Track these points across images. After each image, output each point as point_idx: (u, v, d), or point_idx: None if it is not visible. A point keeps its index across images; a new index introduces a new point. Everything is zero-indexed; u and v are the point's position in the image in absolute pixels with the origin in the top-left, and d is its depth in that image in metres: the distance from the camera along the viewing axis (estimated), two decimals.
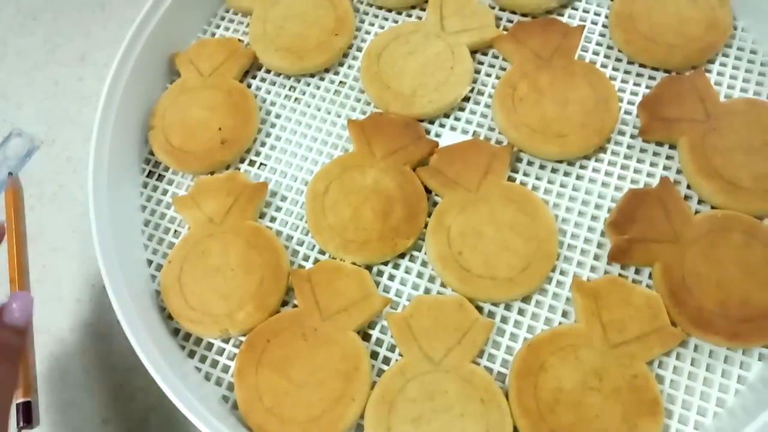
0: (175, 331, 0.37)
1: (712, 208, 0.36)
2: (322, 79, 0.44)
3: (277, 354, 0.33)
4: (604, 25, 0.43)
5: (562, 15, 0.44)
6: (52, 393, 0.37)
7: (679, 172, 0.38)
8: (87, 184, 0.37)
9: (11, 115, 0.46)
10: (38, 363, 0.38)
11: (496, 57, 0.43)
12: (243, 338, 0.35)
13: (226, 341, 0.36)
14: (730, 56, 0.41)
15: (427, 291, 0.36)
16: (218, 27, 0.47)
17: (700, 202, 0.37)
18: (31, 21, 0.50)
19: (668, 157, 0.38)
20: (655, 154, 0.38)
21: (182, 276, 0.36)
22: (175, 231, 0.40)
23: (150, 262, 0.39)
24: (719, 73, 0.40)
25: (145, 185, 0.41)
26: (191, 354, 0.36)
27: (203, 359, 0.36)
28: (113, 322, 0.38)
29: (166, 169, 0.42)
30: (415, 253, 0.37)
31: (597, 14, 0.43)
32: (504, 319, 0.35)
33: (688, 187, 0.37)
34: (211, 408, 0.32)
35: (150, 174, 0.42)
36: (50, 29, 0.49)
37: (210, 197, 0.38)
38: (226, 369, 0.35)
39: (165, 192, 0.41)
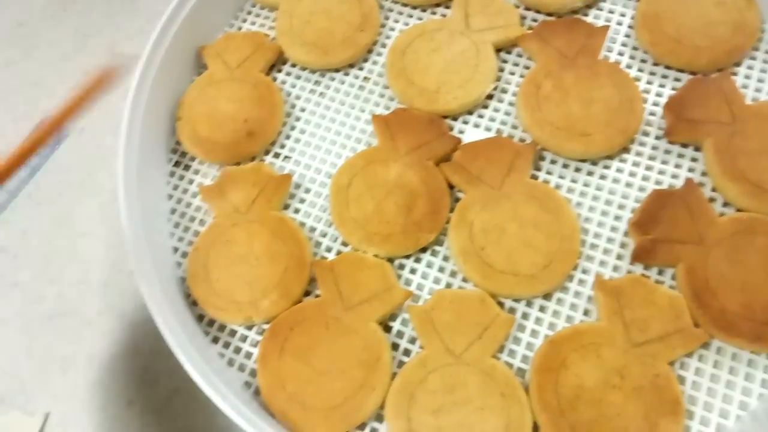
0: (200, 318, 0.37)
1: (737, 210, 0.36)
2: (346, 74, 0.44)
3: (300, 342, 0.34)
4: (629, 26, 0.43)
5: (587, 15, 0.44)
6: (79, 374, 0.38)
7: (703, 174, 0.38)
8: (116, 173, 0.38)
9: (42, 103, 0.47)
10: (66, 344, 0.39)
11: (520, 56, 0.43)
12: (266, 326, 0.35)
13: (249, 328, 0.37)
14: (758, 59, 0.40)
15: (448, 285, 0.37)
16: (245, 21, 0.47)
17: (725, 204, 0.37)
18: (62, 12, 0.51)
19: (693, 159, 0.38)
20: (679, 155, 0.39)
21: (208, 263, 0.37)
22: (201, 220, 0.40)
23: (176, 250, 0.39)
24: (746, 76, 0.40)
25: (172, 174, 0.42)
26: (215, 340, 0.37)
27: (226, 345, 0.36)
28: (139, 307, 0.39)
29: (193, 159, 0.42)
30: (437, 248, 0.38)
31: (622, 15, 0.43)
32: (525, 316, 0.35)
33: (713, 189, 0.37)
34: (235, 393, 0.32)
35: (177, 164, 0.42)
36: (80, 20, 0.50)
37: (236, 187, 0.39)
38: (248, 355, 0.36)
39: (191, 181, 0.42)
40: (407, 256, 0.37)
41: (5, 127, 0.46)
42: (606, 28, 0.41)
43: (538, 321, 0.35)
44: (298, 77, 0.44)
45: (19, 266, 0.41)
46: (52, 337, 0.39)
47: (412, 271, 0.37)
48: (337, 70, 0.44)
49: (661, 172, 0.38)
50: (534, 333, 0.35)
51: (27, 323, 0.39)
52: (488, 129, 0.41)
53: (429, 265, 0.37)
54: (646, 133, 0.39)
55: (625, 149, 0.39)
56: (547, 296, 0.36)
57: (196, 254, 0.37)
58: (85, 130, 0.46)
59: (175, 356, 0.32)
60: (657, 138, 0.39)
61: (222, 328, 0.37)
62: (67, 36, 0.50)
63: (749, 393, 0.32)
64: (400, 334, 0.36)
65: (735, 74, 0.40)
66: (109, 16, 0.50)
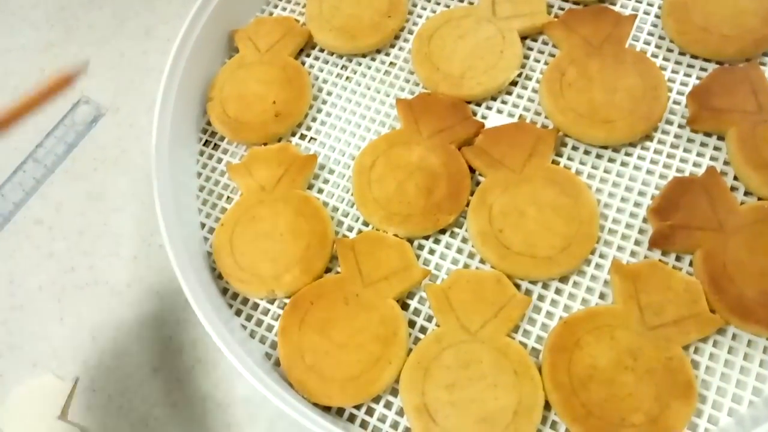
0: (224, 291, 0.39)
1: (759, 199, 0.36)
2: (373, 59, 0.45)
3: (320, 316, 0.35)
4: (656, 15, 0.43)
5: (615, 4, 0.44)
6: (108, 341, 0.39)
7: (726, 163, 0.37)
8: (150, 151, 0.39)
9: (80, 83, 0.48)
10: (97, 313, 0.40)
11: (546, 43, 0.43)
12: (287, 300, 0.37)
13: (271, 302, 0.38)
14: None
15: (465, 266, 0.37)
16: (276, 6, 0.48)
17: (746, 193, 0.36)
18: None
19: (716, 148, 0.38)
20: (702, 144, 0.38)
21: (233, 239, 0.38)
22: (228, 197, 0.42)
23: (203, 225, 0.41)
24: None
25: (202, 153, 0.43)
26: (238, 312, 0.38)
27: (249, 318, 0.38)
28: (166, 279, 0.40)
29: (222, 138, 0.44)
30: (456, 230, 0.38)
31: (650, 4, 0.43)
32: (541, 297, 0.36)
33: (735, 178, 0.37)
34: (256, 362, 0.33)
35: (206, 143, 0.44)
36: (118, 4, 0.52)
37: (262, 166, 0.40)
38: (270, 328, 0.37)
39: (220, 160, 0.43)
40: (426, 237, 0.38)
41: (45, 107, 0.48)
42: (633, 16, 0.41)
43: (553, 303, 0.36)
44: (326, 62, 0.45)
45: (54, 238, 0.43)
46: (84, 305, 0.41)
47: (431, 251, 0.38)
48: (363, 55, 0.45)
49: (683, 161, 0.38)
50: (549, 314, 0.35)
51: (60, 292, 0.41)
52: (511, 115, 0.41)
53: (448, 247, 0.38)
54: (669, 122, 0.39)
55: (648, 137, 0.39)
56: (563, 279, 0.36)
57: (223, 230, 0.39)
58: (120, 110, 0.47)
59: (199, 327, 0.34)
60: (680, 126, 0.39)
61: (245, 301, 0.38)
62: (105, 19, 0.51)
63: (764, 380, 0.32)
64: (417, 312, 0.36)
65: (763, 65, 0.40)
66: (146, 0, 0.52)
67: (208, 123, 0.44)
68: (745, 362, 0.33)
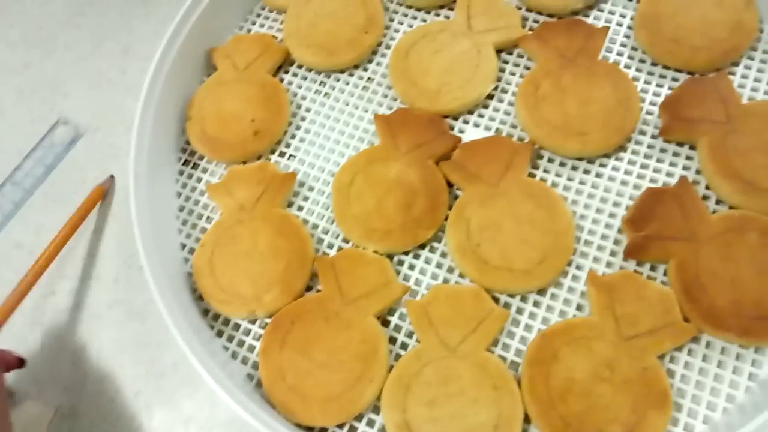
0: (205, 312, 0.39)
1: (730, 208, 0.36)
2: (351, 74, 0.45)
3: (301, 335, 0.35)
4: (629, 27, 0.43)
5: (588, 16, 0.44)
6: (89, 366, 0.39)
7: (698, 172, 0.38)
8: (128, 171, 0.39)
9: (58, 104, 0.49)
10: (77, 337, 0.40)
11: (521, 56, 0.44)
12: (268, 320, 0.37)
13: (253, 322, 0.38)
14: (755, 59, 0.41)
15: (445, 281, 0.38)
16: (254, 23, 0.49)
17: (718, 202, 0.37)
18: (79, 16, 0.53)
19: (688, 158, 0.39)
20: (675, 154, 0.39)
21: (213, 259, 0.38)
22: (208, 217, 0.42)
23: (183, 246, 0.41)
24: (743, 76, 0.40)
25: (181, 173, 0.44)
26: (219, 333, 0.38)
27: (230, 339, 0.38)
28: (147, 301, 0.40)
29: (201, 157, 0.44)
30: (435, 244, 0.39)
31: (622, 16, 0.44)
32: (519, 311, 0.36)
33: (707, 187, 0.38)
34: (237, 384, 0.34)
35: (186, 162, 0.44)
36: (96, 24, 0.52)
37: (242, 185, 0.40)
38: (251, 349, 0.37)
39: (199, 180, 0.43)
40: (406, 253, 0.38)
41: (24, 127, 0.48)
42: (606, 29, 0.42)
43: (531, 316, 0.36)
44: (304, 78, 0.46)
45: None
46: (64, 330, 0.40)
47: (411, 267, 0.38)
48: (342, 71, 0.45)
49: (656, 171, 0.39)
50: (528, 327, 0.36)
51: (40, 317, 0.41)
52: (488, 128, 0.42)
53: (427, 261, 0.38)
54: (643, 132, 0.40)
55: (622, 148, 0.40)
56: (541, 292, 0.36)
57: (202, 250, 0.39)
58: (99, 130, 0.47)
59: (181, 349, 0.34)
60: (653, 137, 0.40)
61: (226, 321, 0.38)
62: (83, 39, 0.51)
63: (737, 386, 0.33)
64: (397, 328, 0.37)
65: (733, 74, 0.41)
66: (123, 19, 0.52)
67: (188, 142, 0.44)
68: (718, 369, 0.33)
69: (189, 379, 0.38)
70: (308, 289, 0.38)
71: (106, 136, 0.47)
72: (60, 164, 0.46)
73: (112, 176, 0.45)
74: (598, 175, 0.39)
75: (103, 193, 0.44)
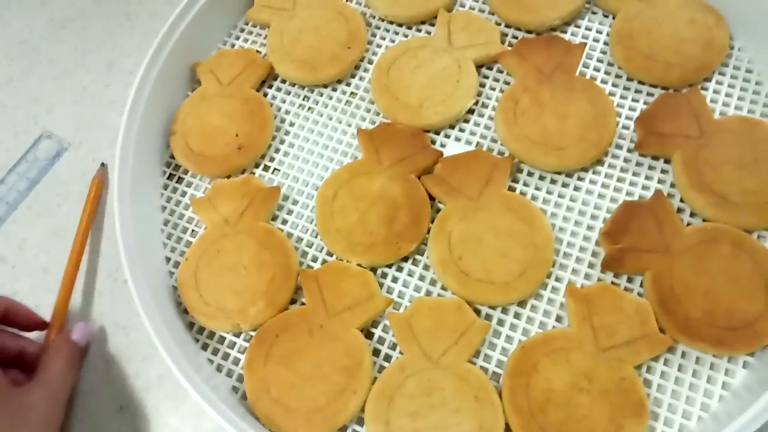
0: (190, 325, 0.39)
1: (704, 220, 0.37)
2: (334, 89, 0.46)
3: (285, 348, 0.35)
4: (605, 43, 0.44)
5: (565, 32, 0.45)
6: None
7: (673, 185, 0.39)
8: (112, 185, 0.39)
9: (42, 118, 0.49)
10: None
11: (500, 71, 0.45)
12: (253, 333, 0.37)
13: (237, 335, 0.38)
14: (726, 75, 0.42)
15: (428, 293, 0.38)
16: (238, 38, 0.49)
17: (692, 214, 0.38)
18: (62, 30, 0.53)
19: (663, 171, 0.40)
20: (650, 167, 0.40)
21: (198, 273, 0.38)
22: (193, 231, 0.42)
23: (168, 260, 0.41)
24: (715, 91, 0.42)
25: (166, 187, 0.44)
26: (204, 347, 0.38)
27: (215, 352, 0.38)
28: (132, 315, 0.40)
29: (186, 172, 0.44)
30: (418, 257, 0.39)
31: (599, 32, 0.45)
32: (500, 322, 0.37)
33: (682, 200, 0.39)
34: (222, 397, 0.34)
35: (170, 177, 0.44)
36: (80, 38, 0.52)
37: (226, 200, 0.41)
38: (236, 361, 0.38)
39: (184, 194, 0.44)
40: (389, 265, 0.39)
41: (7, 141, 0.48)
42: (583, 45, 0.43)
43: (512, 327, 0.37)
44: (288, 93, 0.46)
45: (18, 276, 0.43)
46: None
47: (394, 279, 0.39)
48: (325, 86, 0.46)
49: (632, 184, 0.40)
50: (509, 339, 0.36)
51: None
52: (469, 142, 0.43)
53: (410, 274, 0.39)
54: (619, 146, 0.41)
55: (599, 162, 0.41)
56: (521, 303, 0.37)
57: (187, 264, 0.39)
58: (83, 144, 0.47)
59: (165, 362, 0.34)
60: (629, 151, 0.41)
61: (211, 335, 0.39)
62: (66, 53, 0.52)
63: (711, 395, 0.34)
64: (381, 340, 0.37)
65: (705, 89, 0.42)
66: (107, 34, 0.52)
67: (172, 156, 0.44)
68: (694, 379, 0.34)
69: (174, 392, 0.38)
70: (293, 302, 0.38)
71: (90, 151, 0.47)
72: (44, 178, 0.46)
73: (103, 164, 0.45)
74: (576, 189, 0.40)
75: (102, 183, 0.44)
